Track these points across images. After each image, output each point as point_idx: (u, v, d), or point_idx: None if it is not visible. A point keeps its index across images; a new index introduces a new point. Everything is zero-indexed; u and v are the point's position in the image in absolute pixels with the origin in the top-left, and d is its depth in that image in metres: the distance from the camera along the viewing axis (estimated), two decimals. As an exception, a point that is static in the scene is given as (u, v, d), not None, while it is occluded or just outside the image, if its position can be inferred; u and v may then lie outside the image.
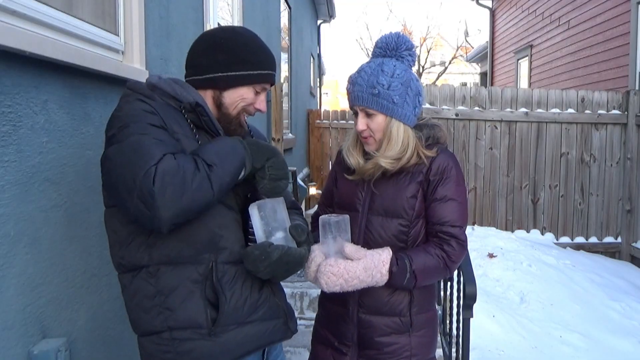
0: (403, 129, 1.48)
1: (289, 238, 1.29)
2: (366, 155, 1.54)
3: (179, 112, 1.28)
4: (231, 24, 4.11)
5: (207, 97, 1.34)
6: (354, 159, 1.54)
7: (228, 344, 1.25)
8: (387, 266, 1.39)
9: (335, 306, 1.58)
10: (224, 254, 1.26)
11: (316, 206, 1.79)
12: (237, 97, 1.34)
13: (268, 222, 1.27)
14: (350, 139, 1.60)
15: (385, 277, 1.39)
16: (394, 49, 1.50)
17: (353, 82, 1.49)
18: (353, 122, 1.56)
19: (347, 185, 1.58)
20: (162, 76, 1.36)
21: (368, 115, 1.47)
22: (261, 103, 1.39)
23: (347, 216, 1.42)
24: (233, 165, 1.19)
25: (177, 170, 1.08)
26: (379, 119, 1.47)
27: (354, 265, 1.36)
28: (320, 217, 1.42)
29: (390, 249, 1.42)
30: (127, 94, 1.29)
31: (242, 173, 1.23)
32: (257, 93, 1.37)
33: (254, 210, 1.26)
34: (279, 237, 1.27)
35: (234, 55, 1.31)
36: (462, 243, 1.48)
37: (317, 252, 1.41)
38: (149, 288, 1.24)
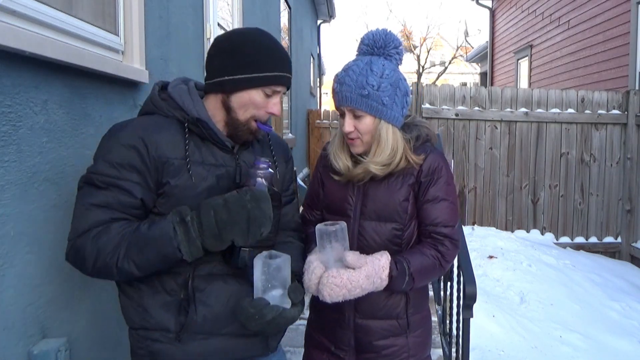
0: (392, 131, 1.44)
1: (285, 297, 1.27)
2: (354, 157, 1.50)
3: (182, 125, 1.29)
4: (231, 24, 4.11)
5: (217, 100, 1.32)
6: (342, 162, 1.50)
7: (191, 352, 1.28)
8: (387, 271, 1.36)
9: (330, 312, 1.55)
10: (204, 269, 1.28)
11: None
12: (246, 101, 1.30)
13: (269, 278, 1.25)
14: (336, 140, 1.54)
15: (385, 282, 1.37)
16: (382, 47, 1.44)
17: (340, 81, 1.43)
18: (339, 123, 1.50)
19: (335, 189, 1.54)
20: (182, 83, 1.36)
21: (356, 116, 1.42)
22: (274, 106, 1.32)
23: (344, 224, 1.37)
24: (154, 258, 1.17)
25: (79, 255, 1.19)
26: (367, 121, 1.42)
27: (356, 274, 1.32)
28: (317, 226, 1.37)
29: (388, 254, 1.39)
30: (141, 108, 1.37)
31: (184, 257, 1.18)
32: (267, 96, 1.31)
33: (258, 264, 1.24)
34: (276, 295, 1.26)
35: (240, 58, 1.29)
36: (456, 243, 1.47)
37: (316, 263, 1.37)
38: (131, 288, 1.30)
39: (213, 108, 1.33)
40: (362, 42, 1.48)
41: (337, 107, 1.47)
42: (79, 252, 1.18)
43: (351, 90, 1.40)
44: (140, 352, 1.30)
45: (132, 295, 1.29)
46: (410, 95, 1.51)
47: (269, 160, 1.31)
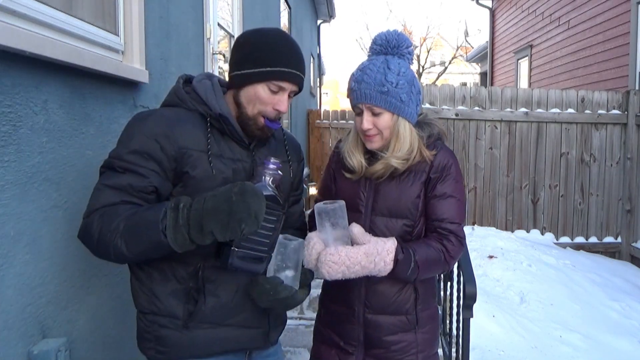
0: (409, 127, 1.47)
1: (296, 279, 1.31)
2: (367, 154, 1.52)
3: (204, 120, 1.32)
4: (231, 24, 4.11)
5: (232, 96, 1.36)
6: (356, 160, 1.51)
7: (197, 340, 1.31)
8: (392, 255, 1.36)
9: (340, 307, 1.57)
10: (213, 260, 1.30)
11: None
12: (252, 95, 1.31)
13: (284, 259, 1.29)
14: (350, 138, 1.56)
15: (389, 267, 1.36)
16: (395, 47, 1.47)
17: (358, 80, 1.45)
18: (353, 121, 1.52)
19: (348, 185, 1.55)
20: (207, 78, 1.38)
21: (374, 114, 1.44)
22: (280, 104, 1.32)
23: (343, 202, 1.38)
24: (142, 239, 1.16)
25: (87, 232, 1.22)
26: (386, 118, 1.44)
27: (354, 251, 1.33)
28: (316, 205, 1.38)
29: (395, 239, 1.40)
30: (164, 99, 1.39)
31: (170, 244, 1.14)
32: (273, 92, 1.31)
33: (279, 243, 1.28)
34: (289, 276, 1.30)
35: (247, 53, 1.32)
36: (461, 239, 1.48)
37: (316, 240, 1.38)
38: (143, 273, 1.33)
39: (230, 103, 1.36)
40: (375, 42, 1.51)
41: (353, 106, 1.49)
42: (86, 229, 1.22)
43: (370, 88, 1.43)
44: (147, 336, 1.32)
45: (144, 280, 1.32)
46: (422, 94, 1.53)
47: (283, 159, 1.34)
